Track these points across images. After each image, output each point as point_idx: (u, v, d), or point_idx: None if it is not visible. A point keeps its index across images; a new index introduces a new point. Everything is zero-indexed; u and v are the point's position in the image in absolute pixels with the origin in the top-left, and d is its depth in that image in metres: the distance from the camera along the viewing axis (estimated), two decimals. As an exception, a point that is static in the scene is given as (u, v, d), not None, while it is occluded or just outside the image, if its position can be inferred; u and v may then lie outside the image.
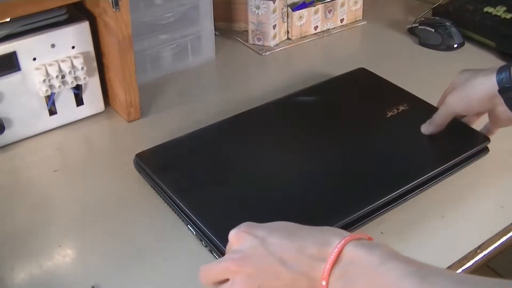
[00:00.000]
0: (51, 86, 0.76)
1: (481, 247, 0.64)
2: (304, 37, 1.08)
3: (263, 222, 0.50)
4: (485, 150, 0.74)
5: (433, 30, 1.03)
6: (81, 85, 0.80)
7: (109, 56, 0.80)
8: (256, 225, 0.49)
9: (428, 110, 0.75)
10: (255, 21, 1.02)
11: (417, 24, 1.06)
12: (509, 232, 0.66)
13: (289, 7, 1.04)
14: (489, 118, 0.72)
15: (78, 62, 0.77)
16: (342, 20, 1.11)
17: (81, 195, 0.71)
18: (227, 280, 0.47)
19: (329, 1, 1.07)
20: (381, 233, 0.64)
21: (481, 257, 0.63)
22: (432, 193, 0.69)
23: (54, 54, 0.76)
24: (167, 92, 0.92)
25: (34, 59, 0.74)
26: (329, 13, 1.09)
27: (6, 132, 0.76)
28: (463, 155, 0.71)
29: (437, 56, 1.02)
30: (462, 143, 0.73)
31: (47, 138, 0.80)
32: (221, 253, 0.57)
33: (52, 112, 0.80)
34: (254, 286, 0.45)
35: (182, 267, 0.61)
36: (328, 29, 1.11)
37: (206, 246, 0.61)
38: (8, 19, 0.71)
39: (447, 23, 1.04)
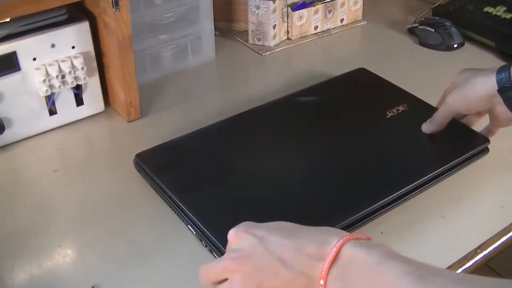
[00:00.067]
0: (51, 86, 0.76)
1: (481, 247, 0.64)
2: (304, 37, 1.08)
3: (263, 222, 0.50)
4: (485, 151, 0.74)
5: (433, 30, 1.03)
6: (81, 85, 0.80)
7: (109, 56, 0.80)
8: (255, 225, 0.49)
9: (428, 111, 0.75)
10: (255, 21, 1.02)
11: (417, 24, 1.06)
12: (509, 232, 0.66)
13: (289, 7, 1.04)
14: (489, 118, 0.72)
15: (78, 62, 0.77)
16: (342, 20, 1.11)
17: (81, 195, 0.71)
18: (226, 279, 0.47)
19: (329, 1, 1.07)
20: (381, 233, 0.64)
21: (481, 257, 0.63)
22: (432, 193, 0.69)
23: (54, 54, 0.76)
24: (167, 92, 0.92)
25: (34, 59, 0.74)
26: (329, 13, 1.09)
27: (6, 132, 0.76)
28: (463, 156, 0.71)
29: (437, 56, 1.02)
30: (462, 144, 0.73)
31: (47, 138, 0.80)
32: (221, 253, 0.57)
33: (52, 112, 0.80)
34: (253, 285, 0.45)
35: (182, 267, 0.61)
36: (328, 29, 1.11)
37: (206, 246, 0.61)
38: (8, 19, 0.71)
39: (447, 23, 1.04)
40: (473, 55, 1.02)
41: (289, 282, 0.45)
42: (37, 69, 0.75)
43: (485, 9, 1.06)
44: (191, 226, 0.63)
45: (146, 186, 0.70)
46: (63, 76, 0.76)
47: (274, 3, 1.00)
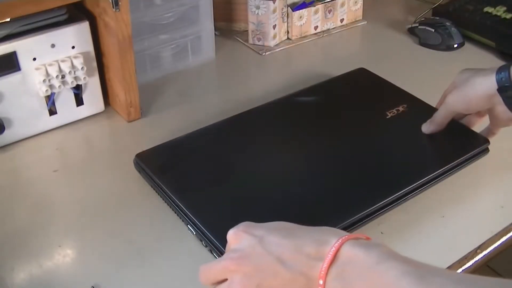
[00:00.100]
0: (51, 86, 0.76)
1: (481, 247, 0.64)
2: (304, 37, 1.08)
3: (263, 222, 0.50)
4: (485, 151, 0.74)
5: (433, 30, 1.03)
6: (81, 85, 0.80)
7: (109, 56, 0.80)
8: (254, 225, 0.49)
9: (428, 111, 0.75)
10: (255, 21, 1.02)
11: (417, 24, 1.06)
12: (509, 232, 0.66)
13: (289, 7, 1.04)
14: (489, 118, 0.72)
15: (78, 62, 0.77)
16: (342, 20, 1.11)
17: (81, 195, 0.71)
18: (226, 279, 0.47)
19: (329, 1, 1.07)
20: (381, 233, 0.64)
21: (481, 257, 0.63)
22: (432, 193, 0.69)
23: (54, 54, 0.76)
24: (167, 92, 0.92)
25: (34, 59, 0.74)
26: (329, 13, 1.09)
27: (6, 132, 0.76)
28: (463, 157, 0.71)
29: (437, 56, 1.02)
30: (461, 145, 0.73)
31: (47, 138, 0.80)
32: (221, 253, 0.57)
33: (52, 112, 0.80)
34: (252, 285, 0.45)
35: (182, 267, 0.61)
36: (328, 29, 1.11)
37: (206, 246, 0.61)
38: (8, 19, 0.71)
39: (447, 23, 1.04)
40: (473, 55, 1.02)
41: (289, 282, 0.45)
42: (37, 69, 0.75)
43: (485, 9, 1.06)
44: (191, 226, 0.63)
45: (146, 186, 0.70)
46: (63, 76, 0.76)
47: (274, 3, 1.00)
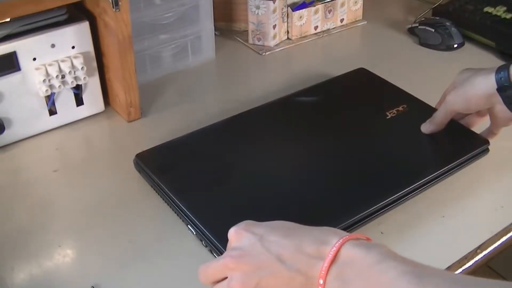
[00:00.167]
0: (51, 86, 0.76)
1: (481, 247, 0.64)
2: (304, 37, 1.08)
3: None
4: (485, 152, 0.74)
5: (433, 30, 1.03)
6: (81, 85, 0.80)
7: (109, 56, 0.80)
8: (255, 223, 0.50)
9: (428, 111, 0.75)
10: (255, 21, 1.02)
11: (417, 24, 1.06)
12: (509, 232, 0.66)
13: (289, 7, 1.04)
14: (489, 118, 0.72)
15: (78, 62, 0.77)
16: (342, 20, 1.11)
17: (81, 195, 0.71)
18: (226, 278, 0.47)
19: (329, 1, 1.07)
20: (381, 233, 0.64)
21: (481, 257, 0.63)
22: (432, 193, 0.69)
23: (54, 54, 0.76)
24: (167, 92, 0.92)
25: (34, 59, 0.74)
26: (329, 13, 1.09)
27: (6, 132, 0.76)
28: (463, 157, 0.71)
29: (437, 56, 1.02)
30: (461, 145, 0.73)
31: (47, 138, 0.80)
32: (221, 253, 0.57)
33: (52, 112, 0.80)
34: (252, 284, 0.45)
35: (182, 267, 0.61)
36: (328, 29, 1.11)
37: (206, 246, 0.61)
38: (8, 19, 0.71)
39: (447, 23, 1.04)
40: (473, 55, 1.02)
41: (288, 281, 0.45)
42: (37, 69, 0.75)
43: (485, 9, 1.06)
44: (191, 226, 0.63)
45: (146, 186, 0.70)
46: (63, 76, 0.76)
47: (274, 3, 1.00)
